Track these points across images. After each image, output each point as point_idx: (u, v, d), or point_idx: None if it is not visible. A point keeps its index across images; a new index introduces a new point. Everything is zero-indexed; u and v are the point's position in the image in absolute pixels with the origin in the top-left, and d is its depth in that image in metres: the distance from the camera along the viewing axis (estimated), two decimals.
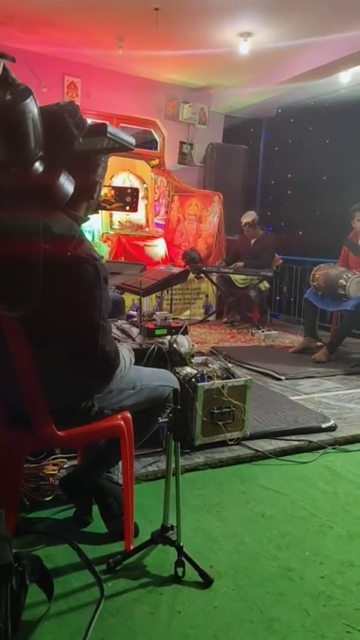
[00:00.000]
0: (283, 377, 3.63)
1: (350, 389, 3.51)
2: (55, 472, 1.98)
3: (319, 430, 2.64)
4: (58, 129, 1.30)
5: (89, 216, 1.60)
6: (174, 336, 2.40)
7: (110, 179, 5.98)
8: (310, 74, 5.33)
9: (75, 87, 5.89)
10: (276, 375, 3.66)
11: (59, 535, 1.70)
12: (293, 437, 2.54)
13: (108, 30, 4.97)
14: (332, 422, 2.71)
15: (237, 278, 5.69)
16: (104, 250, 5.56)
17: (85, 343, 1.42)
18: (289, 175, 6.88)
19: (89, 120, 1.41)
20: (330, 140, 6.13)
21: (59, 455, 2.08)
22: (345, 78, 5.43)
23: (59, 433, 1.49)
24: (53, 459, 2.05)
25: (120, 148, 1.52)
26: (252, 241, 5.76)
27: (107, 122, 1.44)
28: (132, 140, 1.50)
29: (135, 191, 1.99)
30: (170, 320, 2.51)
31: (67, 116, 1.30)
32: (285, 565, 1.61)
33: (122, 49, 5.23)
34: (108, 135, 1.41)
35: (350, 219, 4.37)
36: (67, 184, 1.32)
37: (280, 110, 6.90)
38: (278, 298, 6.59)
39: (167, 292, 4.73)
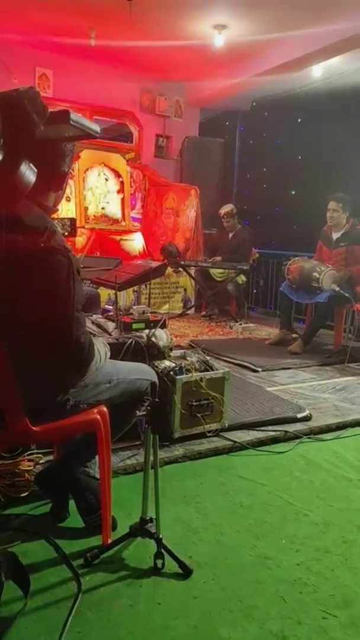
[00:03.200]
0: (260, 369, 3.66)
1: (324, 379, 3.56)
2: (31, 467, 1.96)
3: (295, 420, 2.67)
4: (17, 116, 1.25)
5: (58, 207, 1.58)
6: (153, 330, 2.40)
7: (85, 172, 5.91)
8: (284, 67, 5.35)
9: (47, 79, 5.79)
10: (253, 367, 3.69)
11: (35, 531, 1.68)
12: (270, 428, 2.57)
13: (80, 21, 4.89)
14: (307, 412, 2.75)
15: (215, 272, 5.71)
16: (78, 245, 5.50)
17: (58, 335, 1.40)
18: (264, 169, 6.92)
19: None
20: (303, 134, 6.17)
21: (34, 451, 2.05)
22: (317, 71, 5.47)
23: (34, 428, 1.46)
24: (28, 455, 2.03)
25: (85, 136, 1.47)
26: (231, 235, 5.79)
27: (70, 109, 1.37)
28: (97, 128, 1.46)
29: (73, 220, 2.10)
30: (149, 314, 2.50)
31: (27, 103, 1.25)
32: (263, 554, 1.63)
33: (94, 40, 5.15)
34: (71, 122, 1.36)
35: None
36: (28, 173, 1.28)
37: (254, 104, 6.92)
38: (255, 291, 6.64)
39: (146, 287, 4.71)
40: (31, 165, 1.29)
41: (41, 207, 1.45)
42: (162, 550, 1.52)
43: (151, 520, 1.55)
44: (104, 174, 6.10)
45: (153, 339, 2.35)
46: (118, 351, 2.16)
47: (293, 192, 6.28)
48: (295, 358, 4.03)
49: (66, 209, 5.60)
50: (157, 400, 1.52)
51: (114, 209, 6.17)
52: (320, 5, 4.34)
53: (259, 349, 4.34)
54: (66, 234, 1.99)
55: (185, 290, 6.02)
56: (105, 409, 1.61)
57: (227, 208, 5.73)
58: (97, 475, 1.72)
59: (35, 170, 1.30)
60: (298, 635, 1.31)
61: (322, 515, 1.87)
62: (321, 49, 4.87)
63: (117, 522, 1.71)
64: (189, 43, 5.23)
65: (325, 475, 2.19)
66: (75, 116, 1.37)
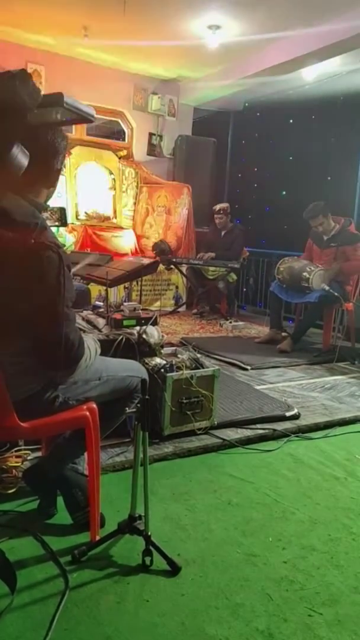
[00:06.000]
0: (249, 367, 3.68)
1: (313, 378, 3.59)
2: (19, 464, 1.95)
3: (283, 418, 2.69)
4: (9, 98, 1.21)
5: (49, 204, 1.57)
6: (144, 327, 2.39)
7: (76, 169, 5.89)
8: (276, 68, 5.36)
9: (39, 75, 5.74)
10: (242, 365, 3.70)
11: (23, 527, 1.67)
12: (258, 426, 2.58)
13: (73, 18, 4.86)
14: (295, 411, 2.76)
15: (207, 270, 5.72)
16: (69, 241, 5.48)
17: (48, 331, 1.39)
18: (255, 169, 6.94)
19: None
20: (294, 135, 6.20)
21: (22, 447, 2.04)
22: (309, 74, 5.49)
23: (22, 424, 1.46)
24: (16, 451, 2.01)
25: (80, 119, 1.44)
26: (223, 232, 5.80)
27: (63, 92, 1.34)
28: (92, 111, 1.42)
29: (62, 210, 2.07)
30: (140, 311, 2.50)
31: (18, 84, 1.21)
32: (250, 551, 1.64)
33: (87, 38, 5.12)
34: (65, 105, 1.33)
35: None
36: (20, 156, 1.25)
37: (247, 104, 6.93)
38: (245, 290, 6.66)
39: (137, 283, 4.71)
40: (23, 148, 1.26)
41: (32, 203, 1.44)
42: (151, 548, 1.52)
43: (140, 517, 1.55)
44: (96, 171, 6.08)
45: (144, 336, 2.35)
46: (108, 348, 2.16)
47: (284, 192, 6.31)
48: (285, 357, 4.05)
49: (57, 205, 5.56)
50: (147, 397, 1.52)
51: (106, 206, 6.15)
52: (313, 8, 4.35)
53: (249, 347, 4.35)
54: (57, 224, 1.96)
55: (176, 287, 6.02)
56: (94, 405, 1.61)
57: (223, 205, 5.79)
58: (86, 472, 1.72)
59: (28, 153, 1.27)
60: (284, 632, 1.32)
61: (309, 514, 1.89)
62: (313, 51, 4.89)
63: (106, 519, 1.70)
64: (183, 42, 5.22)
65: (313, 474, 2.20)
66: (69, 99, 1.33)
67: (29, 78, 1.25)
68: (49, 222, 2.04)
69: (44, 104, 1.30)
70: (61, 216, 1.98)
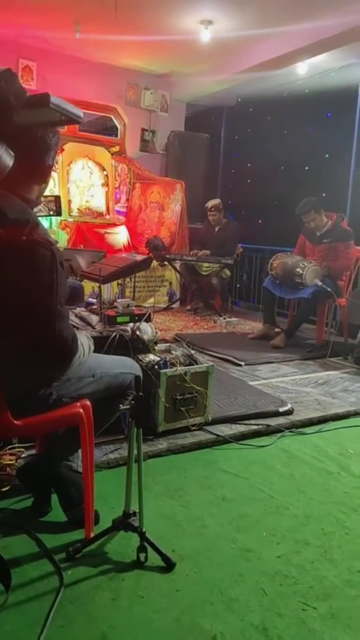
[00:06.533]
0: (243, 363, 3.69)
1: (306, 373, 3.60)
2: (13, 462, 1.94)
3: (277, 414, 2.70)
4: None
5: (41, 200, 1.56)
6: (137, 323, 2.39)
7: (69, 165, 5.85)
8: (269, 64, 5.35)
9: (30, 71, 5.70)
10: (236, 361, 3.71)
11: (17, 525, 1.67)
12: (252, 422, 2.59)
13: (65, 13, 4.82)
14: (289, 406, 2.77)
15: (201, 266, 5.72)
16: (62, 238, 5.45)
17: (41, 329, 1.39)
18: (248, 165, 6.93)
19: None
20: (287, 130, 6.20)
21: (16, 445, 2.04)
22: (302, 69, 5.49)
23: (16, 422, 1.45)
24: (10, 449, 2.01)
25: (67, 120, 1.42)
26: (217, 229, 5.79)
27: (49, 93, 1.31)
28: (80, 112, 1.40)
29: (57, 198, 2.03)
30: (133, 308, 2.49)
31: (3, 84, 1.20)
32: (244, 547, 1.65)
33: (79, 33, 5.08)
34: (51, 106, 1.30)
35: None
36: (5, 157, 1.23)
37: (240, 100, 6.92)
38: (238, 286, 6.66)
39: (130, 280, 4.69)
40: (8, 149, 1.24)
41: (24, 200, 1.43)
42: (145, 544, 1.53)
43: (134, 513, 1.55)
44: (88, 167, 6.05)
45: (138, 332, 2.35)
46: (102, 345, 2.15)
47: (277, 188, 6.31)
48: (278, 352, 4.06)
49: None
50: (141, 394, 1.51)
51: (99, 202, 6.13)
52: (305, 3, 4.34)
53: (243, 343, 4.36)
54: (52, 213, 1.94)
55: (170, 283, 6.01)
56: (88, 402, 1.61)
57: (214, 201, 5.75)
58: (80, 469, 1.72)
59: (13, 154, 1.26)
60: (278, 627, 1.32)
61: (303, 508, 1.90)
62: (306, 46, 4.88)
63: (100, 516, 1.70)
64: (175, 38, 5.19)
65: (306, 469, 2.21)
66: (56, 99, 1.31)
67: (15, 78, 1.23)
68: (43, 212, 2.02)
69: (30, 104, 1.28)
70: (56, 205, 1.95)
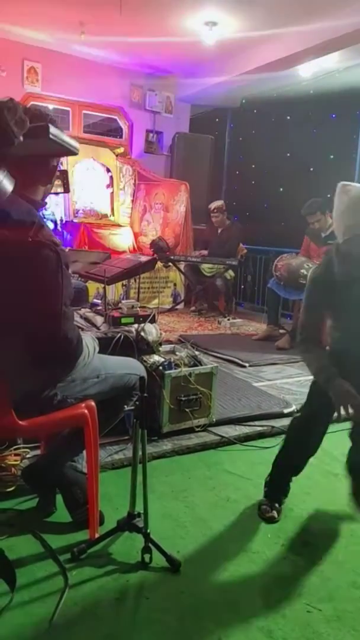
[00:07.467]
0: (247, 364, 3.68)
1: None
2: (18, 462, 1.95)
3: (281, 415, 2.69)
4: None
5: (46, 201, 1.56)
6: (142, 324, 2.39)
7: (73, 166, 5.87)
8: (273, 65, 5.35)
9: (35, 72, 5.72)
10: (241, 363, 3.71)
11: (22, 525, 1.67)
12: (256, 423, 2.58)
13: (70, 15, 4.84)
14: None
15: (205, 267, 5.72)
16: (67, 239, 5.46)
17: (46, 330, 1.39)
18: (253, 166, 6.93)
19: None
20: (292, 132, 6.20)
21: (21, 446, 2.04)
22: (306, 71, 5.48)
23: (21, 423, 1.46)
24: (15, 449, 2.01)
25: (64, 152, 1.47)
26: (220, 230, 5.79)
27: (49, 124, 1.36)
28: (76, 144, 1.46)
29: (64, 173, 1.99)
30: (138, 309, 2.50)
31: (6, 112, 1.23)
32: (249, 548, 1.64)
33: (84, 35, 5.10)
34: (50, 136, 1.35)
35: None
36: (4, 183, 1.26)
37: (244, 101, 6.92)
38: (242, 287, 6.65)
39: (135, 281, 4.70)
40: (8, 174, 1.27)
41: (29, 201, 1.44)
42: (150, 545, 1.53)
43: (139, 514, 1.56)
44: (94, 168, 6.06)
45: (142, 333, 2.35)
46: (107, 346, 2.15)
47: (281, 189, 6.30)
48: (283, 354, 4.05)
49: (54, 203, 5.57)
50: (145, 395, 1.52)
51: (103, 203, 6.14)
52: (310, 4, 4.35)
53: (247, 344, 4.36)
54: (60, 190, 1.93)
55: (174, 285, 6.02)
56: (93, 403, 1.61)
57: (217, 203, 5.75)
58: (85, 470, 1.72)
59: (14, 180, 1.28)
60: (283, 628, 1.32)
61: (308, 510, 1.89)
62: (310, 48, 4.88)
63: (105, 516, 1.71)
64: (179, 39, 5.21)
65: (311, 470, 2.19)
66: (55, 130, 1.36)
67: (18, 107, 1.27)
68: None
69: (30, 134, 1.31)
70: (64, 181, 1.94)
